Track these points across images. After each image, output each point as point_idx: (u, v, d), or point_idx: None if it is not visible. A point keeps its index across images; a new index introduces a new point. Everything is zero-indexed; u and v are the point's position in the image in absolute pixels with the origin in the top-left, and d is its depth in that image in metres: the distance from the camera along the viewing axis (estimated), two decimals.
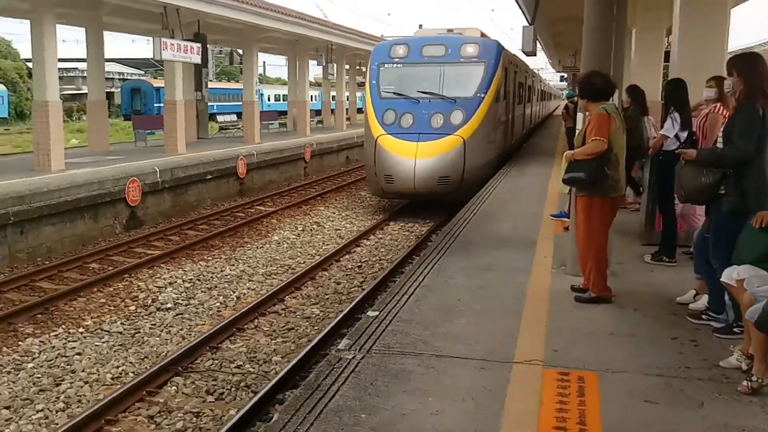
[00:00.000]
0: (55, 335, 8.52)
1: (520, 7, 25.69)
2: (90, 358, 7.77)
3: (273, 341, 8.17)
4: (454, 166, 14.96)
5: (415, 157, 14.76)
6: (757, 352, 4.45)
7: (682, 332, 5.49)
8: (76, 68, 62.40)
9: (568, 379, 4.64)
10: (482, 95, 15.71)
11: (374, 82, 16.26)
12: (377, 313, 6.01)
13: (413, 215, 16.10)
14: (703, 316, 5.59)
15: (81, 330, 8.71)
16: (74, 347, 8.09)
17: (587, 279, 6.45)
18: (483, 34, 18.96)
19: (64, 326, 8.85)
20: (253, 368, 7.40)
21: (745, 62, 5.33)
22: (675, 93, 7.83)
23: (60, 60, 17.08)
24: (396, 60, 16.46)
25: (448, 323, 5.78)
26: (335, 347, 5.28)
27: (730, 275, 4.78)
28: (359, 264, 11.68)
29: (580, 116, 7.24)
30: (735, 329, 5.30)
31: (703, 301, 5.88)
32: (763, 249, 4.71)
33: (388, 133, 15.35)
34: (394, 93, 15.88)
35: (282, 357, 7.66)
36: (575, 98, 8.30)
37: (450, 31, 18.78)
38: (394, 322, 5.78)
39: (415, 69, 16.23)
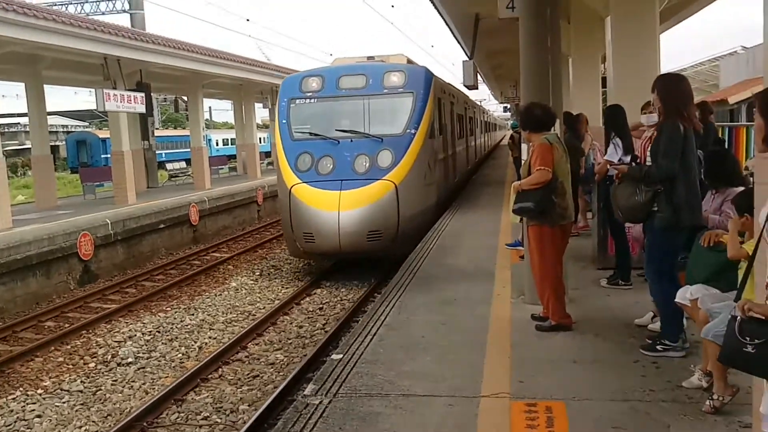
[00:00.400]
0: (13, 398, 8.25)
1: (459, 42, 26.26)
2: (51, 420, 7.54)
3: (239, 390, 8.04)
4: (386, 216, 12.35)
5: (339, 209, 12.11)
6: (715, 371, 4.55)
7: (643, 355, 5.58)
8: (18, 123, 61.37)
9: (535, 410, 4.68)
10: (413, 131, 13.24)
11: (284, 121, 13.72)
12: (341, 355, 5.99)
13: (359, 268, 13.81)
14: (659, 347, 5.58)
15: (40, 391, 8.45)
16: (33, 409, 7.84)
17: (546, 307, 6.54)
18: (410, 61, 16.75)
19: (21, 388, 8.58)
20: (221, 419, 7.27)
21: (663, 83, 5.56)
22: (614, 119, 8.11)
23: (0, 115, 16.80)
24: (309, 94, 13.86)
25: (413, 361, 5.78)
26: (302, 392, 5.23)
27: (683, 295, 4.91)
28: (320, 306, 11.62)
29: (524, 147, 7.40)
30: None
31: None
32: (713, 268, 4.87)
33: (304, 182, 12.67)
34: (309, 133, 13.34)
35: (249, 405, 7.54)
36: (519, 128, 8.51)
37: (371, 58, 16.59)
38: (359, 363, 5.77)
39: (332, 104, 13.80)
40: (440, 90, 15.97)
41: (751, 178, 5.45)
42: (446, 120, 17.01)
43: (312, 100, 13.84)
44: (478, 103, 38.23)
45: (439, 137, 15.40)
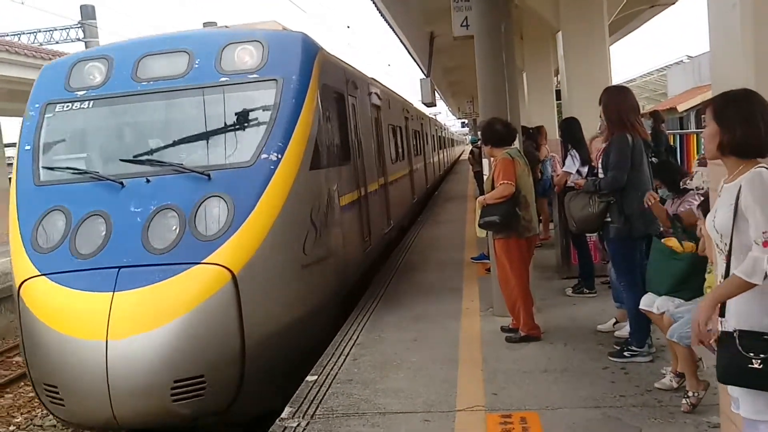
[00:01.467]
0: None
1: (415, 61, 26.54)
2: None
3: None
4: (212, 345, 5.77)
5: (107, 335, 5.57)
6: (687, 369, 4.69)
7: (611, 362, 5.71)
8: None
9: (510, 421, 4.76)
10: (273, 157, 6.62)
11: (28, 147, 7.10)
12: (316, 377, 6.01)
13: None
14: (626, 354, 5.70)
15: (12, 428, 8.29)
16: None
17: (516, 319, 6.65)
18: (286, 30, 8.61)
19: None
20: None
21: (609, 96, 5.74)
22: (570, 131, 8.34)
23: None
24: (81, 93, 7.25)
25: (388, 379, 5.83)
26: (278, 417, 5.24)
27: (649, 303, 5.03)
28: None
29: (486, 161, 7.54)
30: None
31: (626, 328, 6.11)
32: (674, 278, 4.91)
33: (44, 273, 6.10)
34: (69, 170, 6.88)
35: None
36: (479, 143, 8.69)
37: (210, 25, 10.66)
38: (334, 384, 5.80)
39: (120, 109, 7.33)
40: (341, 78, 9.32)
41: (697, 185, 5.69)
42: (364, 133, 10.46)
43: (84, 104, 7.19)
44: (433, 117, 34.38)
45: (340, 164, 8.43)
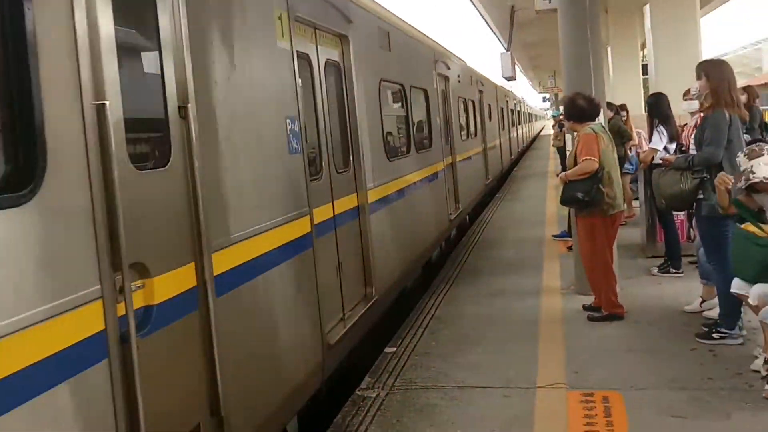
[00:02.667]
0: None
1: (495, 35, 26.18)
2: None
3: None
4: None
5: None
6: None
7: (699, 343, 5.53)
8: None
9: (592, 400, 4.67)
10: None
11: None
12: (394, 349, 6.04)
13: None
14: (715, 335, 5.51)
15: None
16: None
17: (598, 297, 6.52)
18: None
19: None
20: None
21: (714, 67, 5.51)
22: (657, 106, 8.06)
23: None
24: None
25: (466, 353, 5.80)
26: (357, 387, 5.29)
27: (741, 287, 4.81)
28: None
29: (569, 137, 7.37)
30: None
31: (716, 309, 5.90)
32: (758, 265, 4.66)
33: None
34: None
35: None
36: (561, 118, 8.52)
37: None
38: (413, 356, 5.81)
39: None
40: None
41: None
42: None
43: None
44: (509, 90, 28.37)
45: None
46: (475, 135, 15.00)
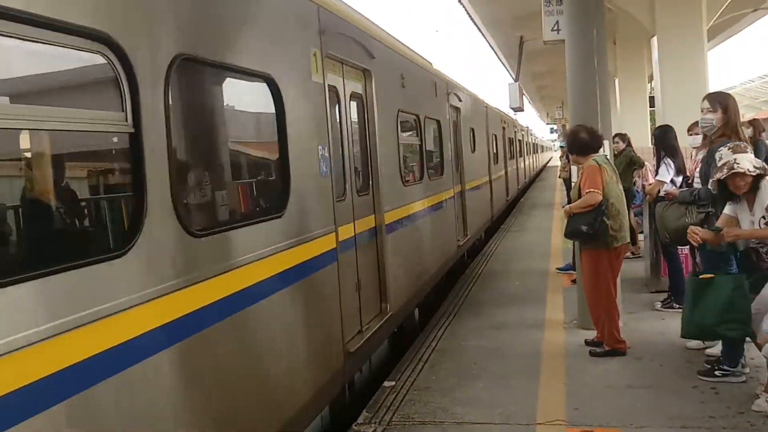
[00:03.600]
0: None
1: (504, 65, 26.33)
2: None
3: None
4: None
5: None
6: None
7: (701, 381, 5.46)
8: None
9: None
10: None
11: None
12: (394, 382, 5.98)
13: None
14: (717, 373, 5.44)
15: None
16: None
17: (600, 332, 6.45)
18: None
19: None
20: None
21: (731, 100, 5.51)
22: (663, 139, 8.02)
23: None
24: None
25: (466, 388, 5.75)
26: (355, 422, 5.24)
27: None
28: None
29: (574, 169, 7.36)
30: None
31: (718, 346, 5.83)
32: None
33: None
34: None
35: None
36: (566, 148, 8.52)
37: None
38: (411, 390, 5.76)
39: None
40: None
41: None
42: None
43: None
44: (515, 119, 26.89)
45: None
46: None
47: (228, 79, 4.09)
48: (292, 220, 4.45)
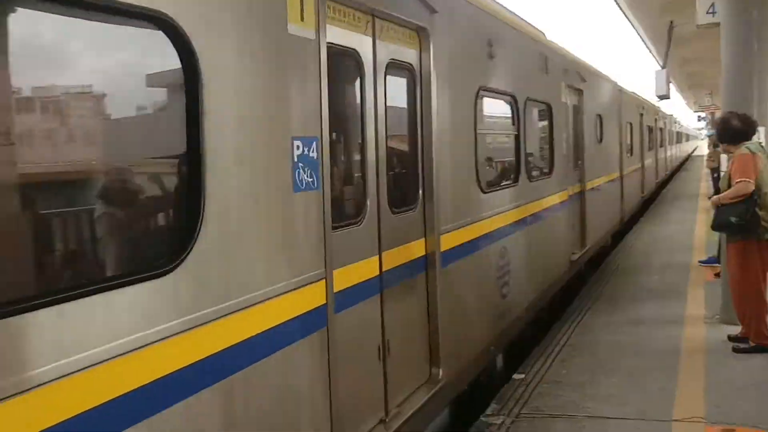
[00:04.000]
0: None
1: (650, 51, 25.23)
2: None
3: None
4: None
5: None
6: None
7: None
8: None
9: None
10: None
11: None
12: (523, 375, 5.93)
13: None
14: None
15: None
16: None
17: (745, 327, 6.13)
18: None
19: None
20: None
21: None
22: None
23: None
24: None
25: (599, 383, 5.61)
26: (483, 413, 5.23)
27: None
28: None
29: (723, 157, 7.00)
30: None
31: None
32: None
33: None
34: None
35: None
36: (713, 137, 8.08)
37: None
38: (542, 384, 5.68)
39: None
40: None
41: None
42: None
43: None
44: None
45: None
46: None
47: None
48: (197, 276, 2.56)
